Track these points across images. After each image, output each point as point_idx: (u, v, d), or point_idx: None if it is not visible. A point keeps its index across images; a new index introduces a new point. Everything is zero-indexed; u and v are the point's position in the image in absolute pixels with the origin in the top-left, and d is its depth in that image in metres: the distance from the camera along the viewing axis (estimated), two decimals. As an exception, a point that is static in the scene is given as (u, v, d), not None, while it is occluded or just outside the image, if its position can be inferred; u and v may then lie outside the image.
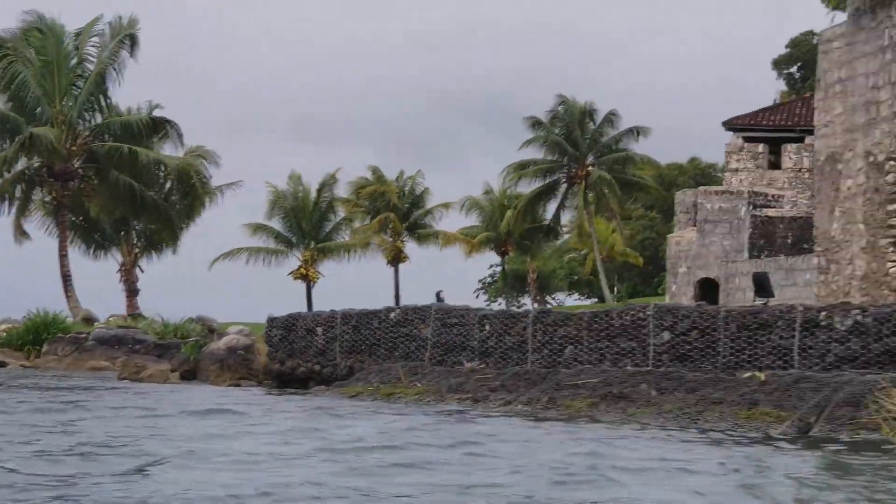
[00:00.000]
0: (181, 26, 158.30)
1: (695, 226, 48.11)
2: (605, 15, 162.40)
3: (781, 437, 17.98)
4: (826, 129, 31.32)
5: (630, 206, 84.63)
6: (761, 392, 19.92)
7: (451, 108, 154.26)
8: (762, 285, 29.03)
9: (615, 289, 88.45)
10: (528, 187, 73.77)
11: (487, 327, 24.22)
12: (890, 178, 28.42)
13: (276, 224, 64.86)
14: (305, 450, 15.13)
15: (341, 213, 67.86)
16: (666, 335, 21.96)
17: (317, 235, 65.17)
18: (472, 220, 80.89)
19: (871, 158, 29.06)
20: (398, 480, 12.56)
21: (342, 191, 69.56)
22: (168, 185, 55.17)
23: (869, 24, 29.34)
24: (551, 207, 75.14)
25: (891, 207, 28.34)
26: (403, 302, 66.08)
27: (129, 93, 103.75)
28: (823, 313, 20.55)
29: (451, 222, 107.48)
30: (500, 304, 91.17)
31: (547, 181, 72.91)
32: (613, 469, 13.52)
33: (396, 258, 71.79)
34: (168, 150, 55.25)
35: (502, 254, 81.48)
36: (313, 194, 65.40)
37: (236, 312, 72.41)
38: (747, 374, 20.46)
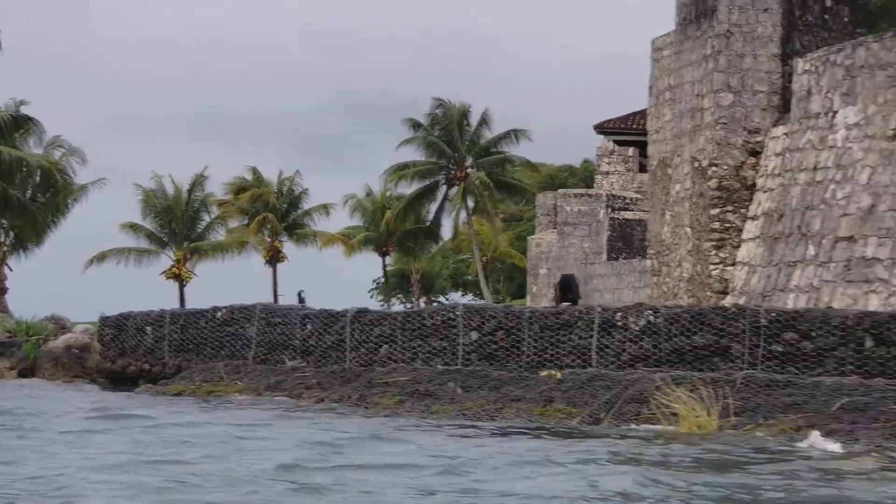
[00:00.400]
0: (73, 21, 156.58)
1: (555, 228, 49.04)
2: (507, 16, 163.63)
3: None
4: (657, 134, 32.23)
5: (523, 207, 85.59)
6: (558, 390, 20.59)
7: (349, 108, 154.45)
8: (568, 288, 29.85)
9: (499, 289, 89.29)
10: (409, 189, 74.46)
11: (309, 326, 24.65)
12: (713, 183, 29.36)
13: (149, 224, 64.80)
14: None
15: (216, 212, 67.92)
16: (474, 335, 22.55)
17: (189, 235, 65.18)
18: (356, 220, 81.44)
19: (696, 164, 29.99)
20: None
21: (218, 190, 69.68)
22: (32, 182, 54.77)
23: (694, 34, 30.28)
24: (433, 209, 75.96)
25: (713, 212, 29.28)
26: (282, 301, 66.44)
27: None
28: (619, 314, 21.29)
29: (339, 222, 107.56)
30: (395, 305, 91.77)
31: (427, 183, 73.56)
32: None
33: (274, 258, 71.98)
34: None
35: (383, 254, 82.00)
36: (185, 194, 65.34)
37: (110, 311, 71.96)
38: (544, 373, 21.14)
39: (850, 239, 25.39)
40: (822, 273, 25.83)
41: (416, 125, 73.24)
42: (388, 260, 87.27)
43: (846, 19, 30.36)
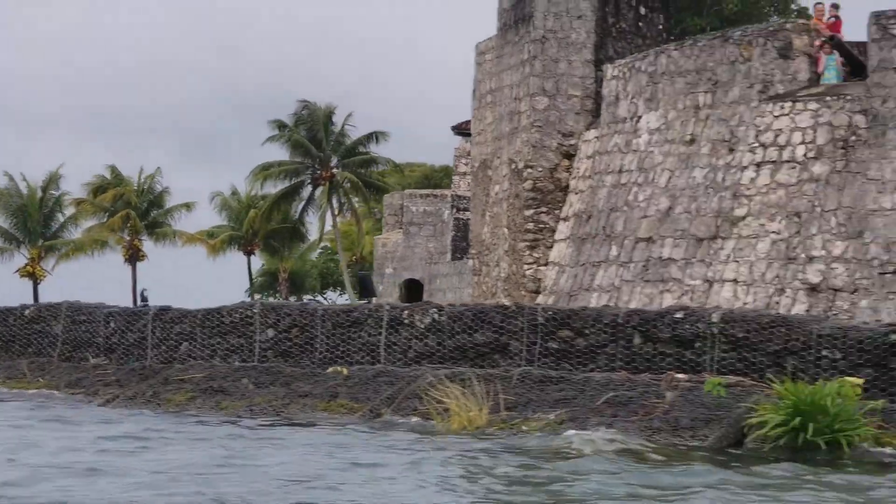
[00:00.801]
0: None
1: (401, 228, 49.59)
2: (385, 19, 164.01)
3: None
4: (479, 136, 32.86)
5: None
6: (344, 386, 21.04)
7: (225, 106, 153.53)
8: (365, 286, 30.35)
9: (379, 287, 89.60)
10: (275, 188, 74.44)
11: (112, 324, 24.77)
12: (527, 184, 30.03)
13: (4, 222, 64.20)
14: None
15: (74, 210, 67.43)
16: (270, 332, 22.88)
17: (45, 234, 64.61)
18: (223, 219, 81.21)
19: (513, 166, 30.65)
20: None
21: (76, 188, 69.24)
22: None
23: (513, 39, 30.94)
24: (299, 209, 76.03)
25: (528, 213, 29.95)
26: (143, 301, 66.04)
27: None
28: (406, 312, 21.78)
29: (210, 220, 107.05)
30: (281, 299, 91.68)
31: (293, 182, 73.61)
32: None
33: (134, 256, 71.53)
34: None
35: (248, 254, 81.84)
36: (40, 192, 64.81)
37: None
38: (331, 370, 21.56)
39: (649, 240, 26.21)
40: (622, 273, 26.61)
41: (281, 126, 73.34)
42: (258, 259, 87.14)
43: (660, 27, 31.28)
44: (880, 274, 22.70)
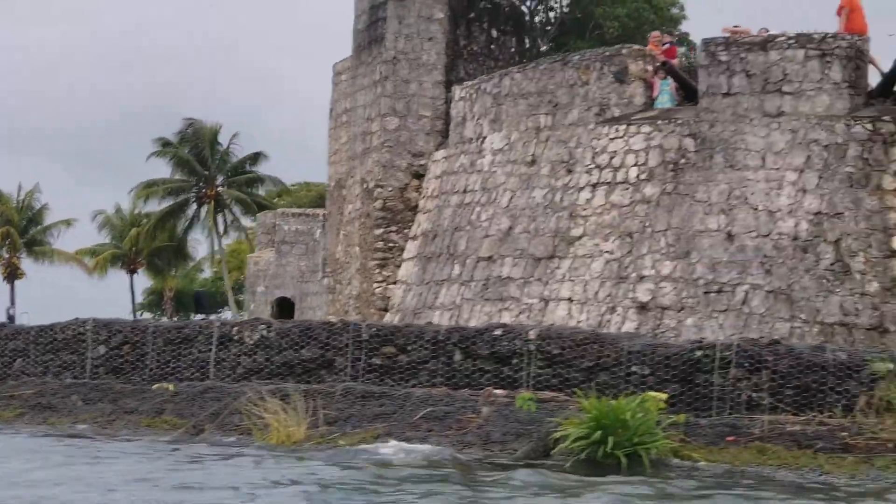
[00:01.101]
0: None
1: (274, 246, 49.65)
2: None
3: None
4: (335, 156, 33.17)
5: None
6: (171, 402, 21.15)
7: (116, 123, 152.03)
8: (199, 303, 30.47)
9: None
10: (159, 206, 74.02)
11: (-53, 341, 24.62)
12: (378, 204, 30.36)
13: None
14: None
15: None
16: (102, 349, 22.93)
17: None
18: (105, 237, 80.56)
19: (365, 185, 30.97)
20: None
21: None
22: None
23: (367, 59, 31.31)
24: (184, 227, 75.63)
25: (378, 231, 30.28)
26: (22, 319, 65.22)
27: None
28: (236, 328, 21.98)
29: (91, 238, 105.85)
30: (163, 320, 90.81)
31: (177, 200, 73.28)
32: None
33: (12, 275, 70.76)
34: None
35: (131, 272, 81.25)
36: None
37: None
38: (156, 386, 21.68)
39: (490, 259, 26.66)
40: (464, 291, 27.03)
41: (166, 143, 73.08)
42: (144, 278, 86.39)
43: (513, 49, 31.85)
44: (705, 293, 23.33)
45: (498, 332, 20.26)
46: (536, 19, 62.11)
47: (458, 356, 20.35)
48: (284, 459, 17.04)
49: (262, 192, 73.86)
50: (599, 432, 17.26)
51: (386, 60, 30.24)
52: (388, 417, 19.42)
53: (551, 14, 61.86)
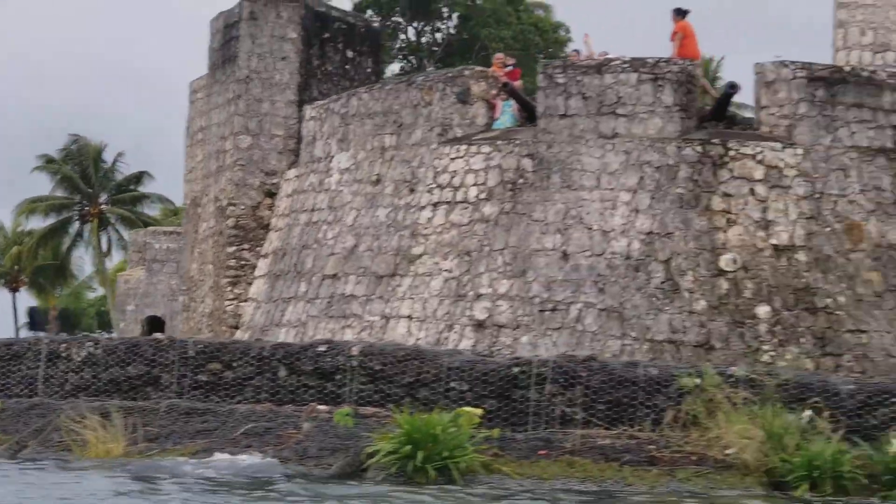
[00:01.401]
0: None
1: (144, 265, 49.31)
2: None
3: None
4: (191, 174, 33.16)
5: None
6: (-4, 419, 21.02)
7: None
8: (34, 321, 30.35)
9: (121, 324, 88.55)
10: (43, 224, 73.17)
11: None
12: (230, 222, 30.41)
13: None
14: None
15: None
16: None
17: None
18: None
19: (219, 203, 31.02)
20: None
21: None
22: None
23: (221, 78, 31.40)
24: (68, 245, 74.84)
25: (230, 249, 30.32)
26: None
27: None
28: (64, 345, 21.92)
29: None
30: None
31: (60, 217, 72.52)
32: None
33: None
34: None
35: (13, 290, 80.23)
36: None
37: None
38: (-23, 403, 21.54)
39: (335, 276, 26.86)
40: (309, 309, 27.17)
41: (49, 160, 72.37)
42: (27, 296, 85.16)
43: (369, 70, 32.10)
44: (540, 311, 23.73)
45: (322, 348, 20.43)
46: (423, 40, 62.71)
47: (282, 372, 20.47)
48: (89, 474, 17.06)
49: (154, 211, 73.28)
50: (409, 447, 17.54)
51: (239, 79, 30.35)
52: (210, 434, 19.49)
53: (438, 35, 62.62)
